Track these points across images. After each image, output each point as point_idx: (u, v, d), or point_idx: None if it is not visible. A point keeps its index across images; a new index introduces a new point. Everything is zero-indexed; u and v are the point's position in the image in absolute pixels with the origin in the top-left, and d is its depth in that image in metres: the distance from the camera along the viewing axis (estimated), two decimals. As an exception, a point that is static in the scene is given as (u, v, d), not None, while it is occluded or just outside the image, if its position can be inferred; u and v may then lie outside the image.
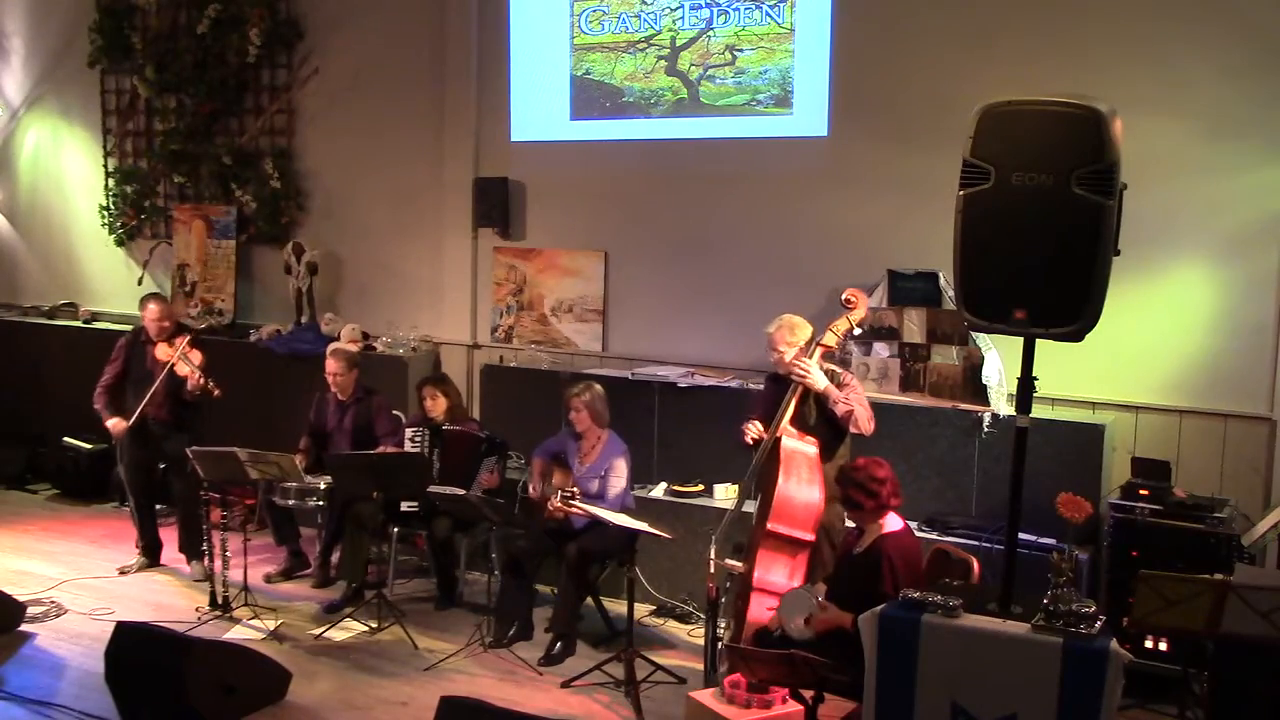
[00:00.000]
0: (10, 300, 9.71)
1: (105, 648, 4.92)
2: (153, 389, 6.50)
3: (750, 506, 5.30)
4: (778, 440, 5.02)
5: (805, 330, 5.21)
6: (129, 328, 7.16)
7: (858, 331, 5.37)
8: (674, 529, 5.74)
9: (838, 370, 5.23)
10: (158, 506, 6.98)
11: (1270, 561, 5.24)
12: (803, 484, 4.94)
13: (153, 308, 6.67)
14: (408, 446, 6.42)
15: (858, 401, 5.08)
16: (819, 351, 5.12)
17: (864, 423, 5.05)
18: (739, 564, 5.09)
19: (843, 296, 5.20)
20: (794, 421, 5.08)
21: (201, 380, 6.39)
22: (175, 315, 6.79)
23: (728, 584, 5.28)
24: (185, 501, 6.70)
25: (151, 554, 6.91)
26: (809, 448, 5.02)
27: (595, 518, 5.45)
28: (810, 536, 4.95)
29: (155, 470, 6.83)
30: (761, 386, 5.64)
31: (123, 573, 6.79)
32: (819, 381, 5.05)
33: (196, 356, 6.52)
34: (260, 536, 7.14)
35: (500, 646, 5.75)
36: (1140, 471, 5.38)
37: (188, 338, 6.63)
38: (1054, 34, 5.82)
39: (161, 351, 6.52)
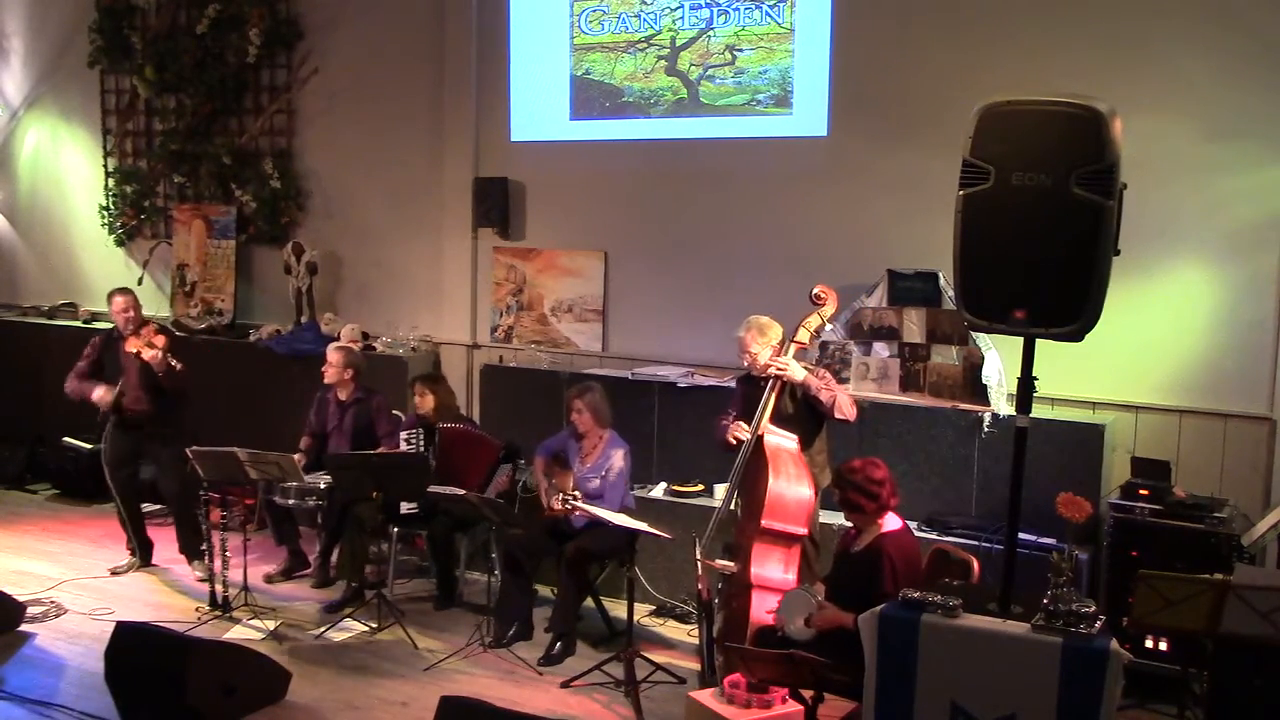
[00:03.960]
0: (10, 300, 9.72)
1: (105, 648, 4.92)
2: (123, 379, 6.48)
3: (735, 506, 5.31)
4: (760, 438, 5.06)
5: (775, 330, 5.27)
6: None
7: (829, 328, 5.41)
8: (673, 529, 5.74)
9: (811, 366, 5.32)
10: (148, 506, 6.96)
11: (1270, 561, 5.24)
12: (792, 479, 4.99)
13: (118, 300, 6.65)
14: (403, 448, 6.41)
15: (836, 389, 5.17)
16: (793, 349, 5.19)
17: (847, 408, 5.15)
18: (730, 564, 5.11)
19: (813, 292, 5.24)
20: (773, 417, 5.12)
21: (161, 358, 6.33)
22: (141, 307, 6.75)
23: (719, 585, 5.29)
24: (178, 501, 6.68)
25: (143, 554, 6.89)
26: (790, 443, 5.10)
27: (597, 519, 5.46)
28: (804, 530, 5.00)
29: (137, 469, 6.79)
30: (733, 384, 5.71)
31: (114, 573, 6.77)
32: (799, 374, 5.12)
33: (160, 340, 6.50)
34: (260, 536, 7.14)
35: (500, 646, 5.75)
36: (1140, 471, 5.38)
37: (154, 326, 6.64)
38: (1054, 34, 5.82)
39: (131, 344, 6.49)
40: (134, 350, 6.45)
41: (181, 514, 6.71)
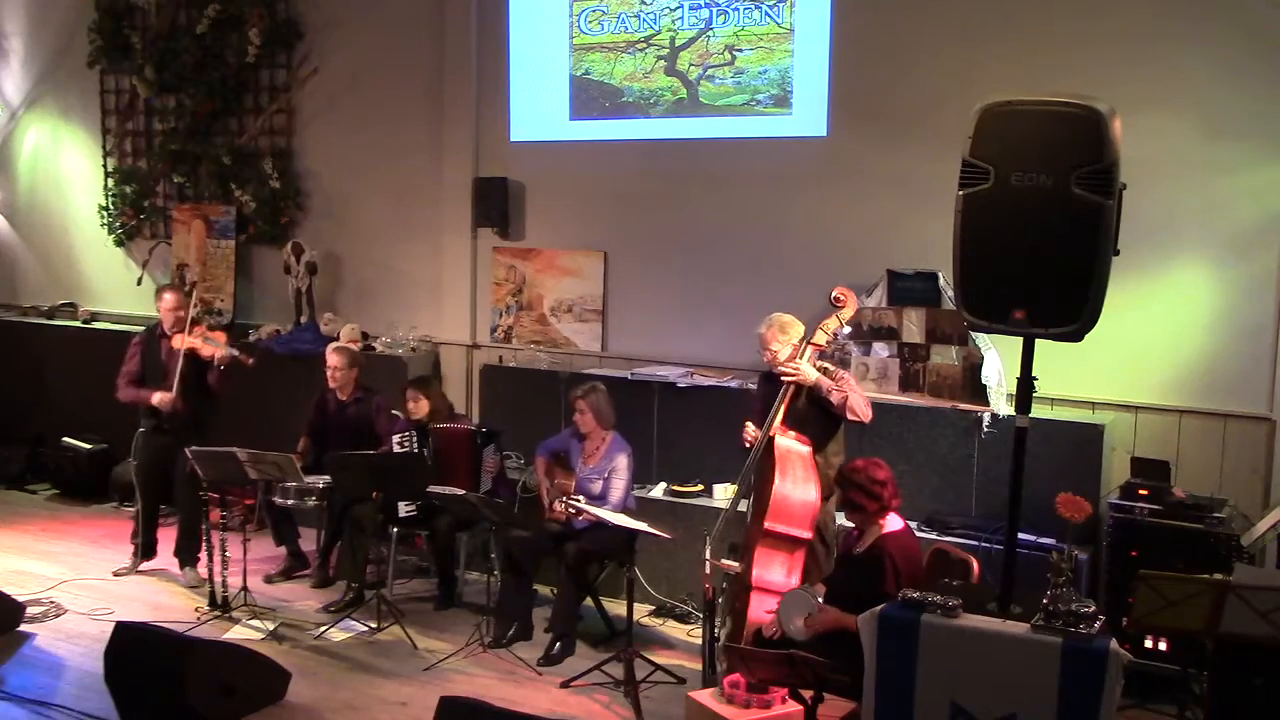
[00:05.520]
0: (10, 300, 9.71)
1: (105, 648, 4.91)
2: (176, 378, 6.41)
3: (744, 506, 5.31)
4: (771, 440, 5.05)
5: (796, 328, 5.24)
6: (128, 328, 7.15)
7: (847, 330, 5.40)
8: (673, 529, 5.74)
9: (830, 367, 5.28)
10: (162, 507, 6.94)
11: (1270, 561, 5.23)
12: (799, 483, 4.96)
13: (169, 297, 6.61)
14: (396, 450, 6.39)
15: (851, 389, 5.13)
16: (810, 350, 5.16)
17: (861, 409, 5.10)
18: (735, 564, 5.10)
19: (832, 294, 5.22)
20: (787, 418, 5.11)
21: (232, 352, 6.34)
22: (191, 305, 6.73)
23: (724, 584, 5.28)
24: (187, 508, 6.63)
25: (147, 553, 6.86)
26: (802, 446, 5.07)
27: (599, 520, 5.45)
28: (808, 534, 4.98)
29: (170, 473, 6.71)
30: (755, 386, 5.68)
31: (117, 575, 6.75)
32: (810, 375, 5.10)
33: (221, 335, 6.50)
34: (259, 537, 7.13)
35: (500, 646, 5.75)
36: (1140, 471, 5.38)
37: (205, 324, 6.63)
38: (1053, 34, 5.82)
39: (179, 341, 6.44)
40: (185, 348, 6.40)
41: (188, 519, 6.66)
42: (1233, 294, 5.58)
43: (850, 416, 5.11)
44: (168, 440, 6.58)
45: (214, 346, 6.39)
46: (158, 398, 6.48)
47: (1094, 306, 3.68)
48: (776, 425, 5.08)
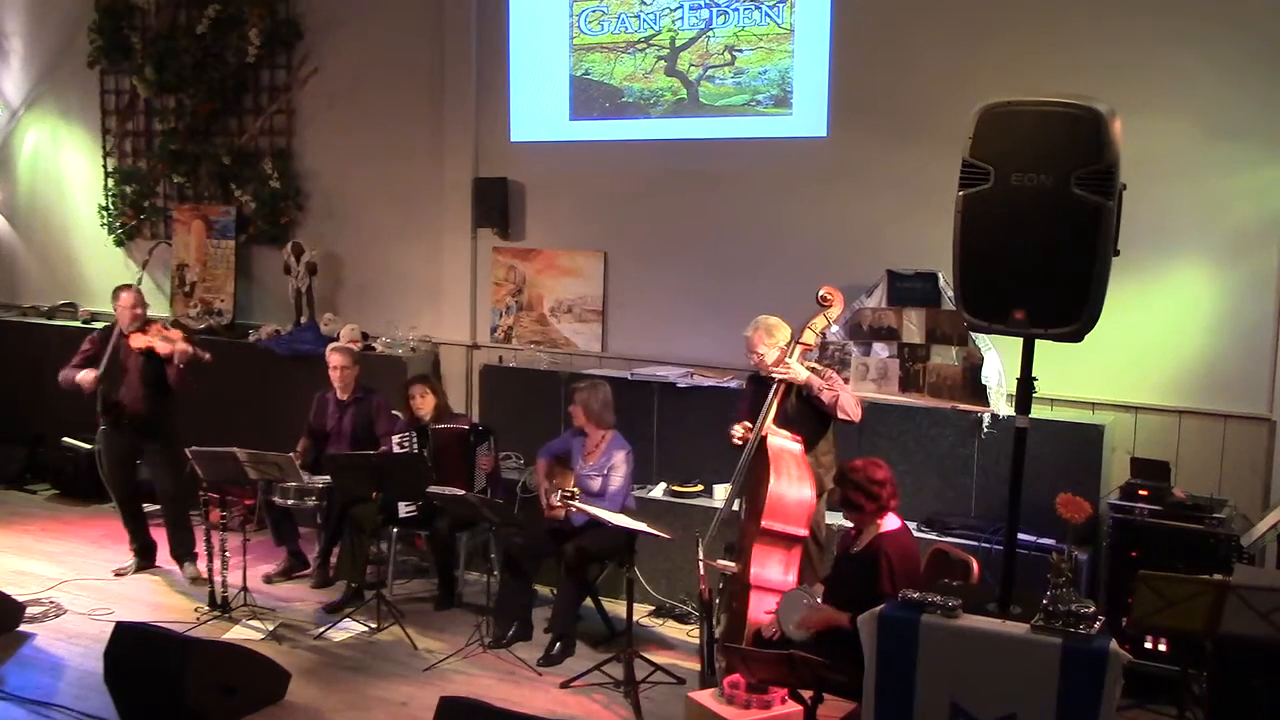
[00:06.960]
0: (10, 300, 9.71)
1: (104, 648, 4.91)
2: (124, 378, 6.43)
3: (738, 506, 5.31)
4: (763, 439, 5.06)
5: (783, 330, 5.28)
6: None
7: (835, 329, 5.41)
8: (673, 529, 5.74)
9: (817, 366, 5.32)
10: (147, 506, 6.93)
11: (1269, 561, 5.24)
12: (794, 481, 4.98)
13: (126, 296, 6.55)
14: (396, 450, 6.37)
15: (841, 389, 5.17)
16: (798, 350, 5.19)
17: (851, 409, 5.13)
18: (731, 564, 5.12)
19: (819, 294, 5.24)
20: (778, 418, 5.13)
21: (188, 348, 6.30)
22: (148, 305, 6.72)
23: (720, 584, 5.29)
24: (171, 503, 6.65)
25: (146, 555, 6.87)
26: (794, 445, 5.09)
27: (595, 518, 5.46)
28: (804, 532, 5.00)
29: (135, 469, 6.74)
30: (742, 386, 5.69)
31: (119, 574, 6.77)
32: (801, 374, 5.13)
33: (176, 333, 6.46)
34: (259, 537, 7.14)
35: (499, 646, 5.75)
36: (1139, 472, 5.38)
37: (161, 323, 6.59)
38: (1053, 34, 5.83)
39: (137, 340, 6.41)
40: (140, 347, 6.38)
41: (173, 516, 6.67)
42: (1232, 294, 5.58)
43: (841, 416, 5.14)
44: (127, 438, 6.60)
45: (170, 344, 6.35)
46: (81, 375, 6.47)
47: (1094, 307, 3.67)
48: (768, 424, 5.10)
